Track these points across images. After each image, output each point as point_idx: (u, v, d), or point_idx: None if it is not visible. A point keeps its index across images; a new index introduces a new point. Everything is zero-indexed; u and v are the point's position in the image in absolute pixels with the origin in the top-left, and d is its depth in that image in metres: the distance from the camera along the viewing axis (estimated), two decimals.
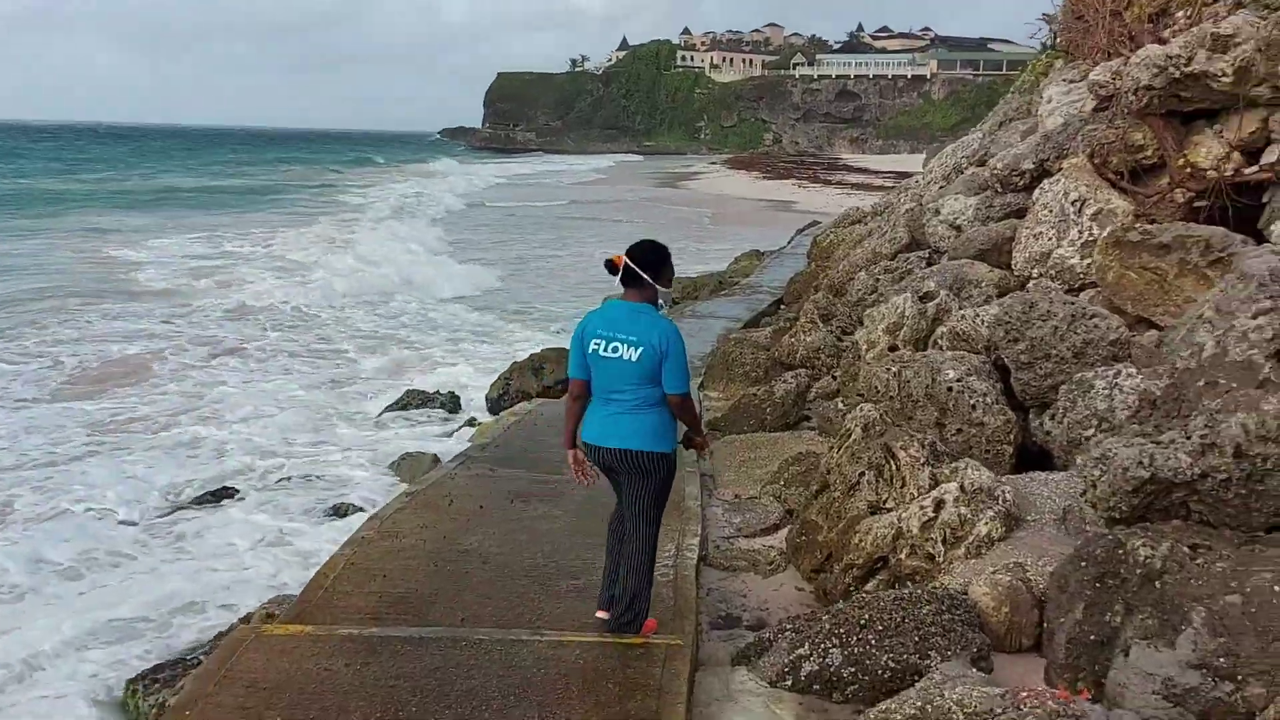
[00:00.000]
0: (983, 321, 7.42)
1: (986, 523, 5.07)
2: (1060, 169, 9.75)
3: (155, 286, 23.36)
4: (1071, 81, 11.91)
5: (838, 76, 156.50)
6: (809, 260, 21.62)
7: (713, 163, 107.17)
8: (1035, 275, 9.12)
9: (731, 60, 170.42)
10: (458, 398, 15.09)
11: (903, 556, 5.19)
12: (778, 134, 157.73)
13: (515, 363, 15.58)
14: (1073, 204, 9.06)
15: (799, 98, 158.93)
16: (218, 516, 8.60)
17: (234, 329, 18.98)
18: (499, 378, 15.15)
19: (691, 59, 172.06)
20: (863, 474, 5.77)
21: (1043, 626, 4.51)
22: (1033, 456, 6.73)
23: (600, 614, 4.93)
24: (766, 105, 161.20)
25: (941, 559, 5.08)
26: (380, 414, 13.83)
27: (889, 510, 5.56)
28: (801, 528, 6.08)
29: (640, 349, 4.40)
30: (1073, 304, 6.62)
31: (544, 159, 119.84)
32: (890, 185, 63.23)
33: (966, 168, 16.16)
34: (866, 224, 18.96)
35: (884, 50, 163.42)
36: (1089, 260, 8.79)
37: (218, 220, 39.09)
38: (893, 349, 8.71)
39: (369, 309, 21.77)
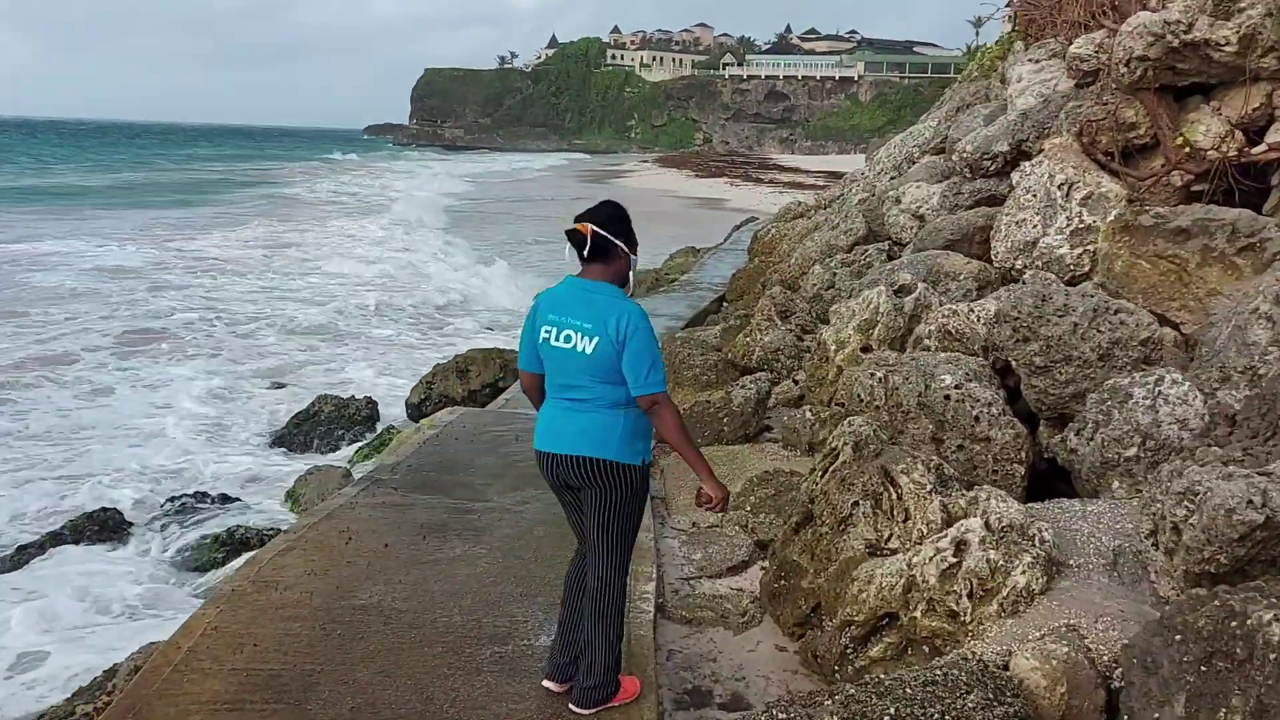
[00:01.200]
0: (979, 318, 6.39)
1: (1023, 571, 4.00)
2: (1042, 150, 8.81)
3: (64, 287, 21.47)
4: (1042, 60, 11.03)
5: (767, 77, 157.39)
6: (750, 256, 20.64)
7: (644, 161, 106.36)
8: (1019, 266, 8.15)
9: (661, 59, 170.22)
10: (375, 404, 13.79)
11: (918, 614, 4.09)
12: (708, 133, 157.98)
13: (438, 365, 14.32)
14: (1059, 187, 8.10)
15: (729, 98, 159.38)
16: (68, 555, 7.18)
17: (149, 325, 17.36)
18: (420, 381, 13.87)
19: (621, 58, 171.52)
20: (856, 504, 4.67)
21: (1115, 717, 3.44)
22: (1041, 476, 5.72)
23: (549, 684, 4.00)
24: (697, 105, 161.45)
25: (968, 618, 3.99)
26: (283, 429, 12.45)
27: (892, 551, 4.46)
28: (780, 570, 4.95)
29: (595, 339, 3.57)
30: (1093, 296, 5.61)
31: (489, 156, 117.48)
32: (822, 185, 63.19)
33: (920, 156, 15.30)
34: (811, 217, 17.99)
35: (812, 52, 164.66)
36: (1080, 250, 7.86)
37: (133, 219, 36.78)
38: (866, 349, 7.66)
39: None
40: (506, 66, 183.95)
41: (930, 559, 4.14)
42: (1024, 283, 6.81)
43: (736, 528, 5.97)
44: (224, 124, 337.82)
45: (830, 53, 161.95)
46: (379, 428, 13.39)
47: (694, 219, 42.35)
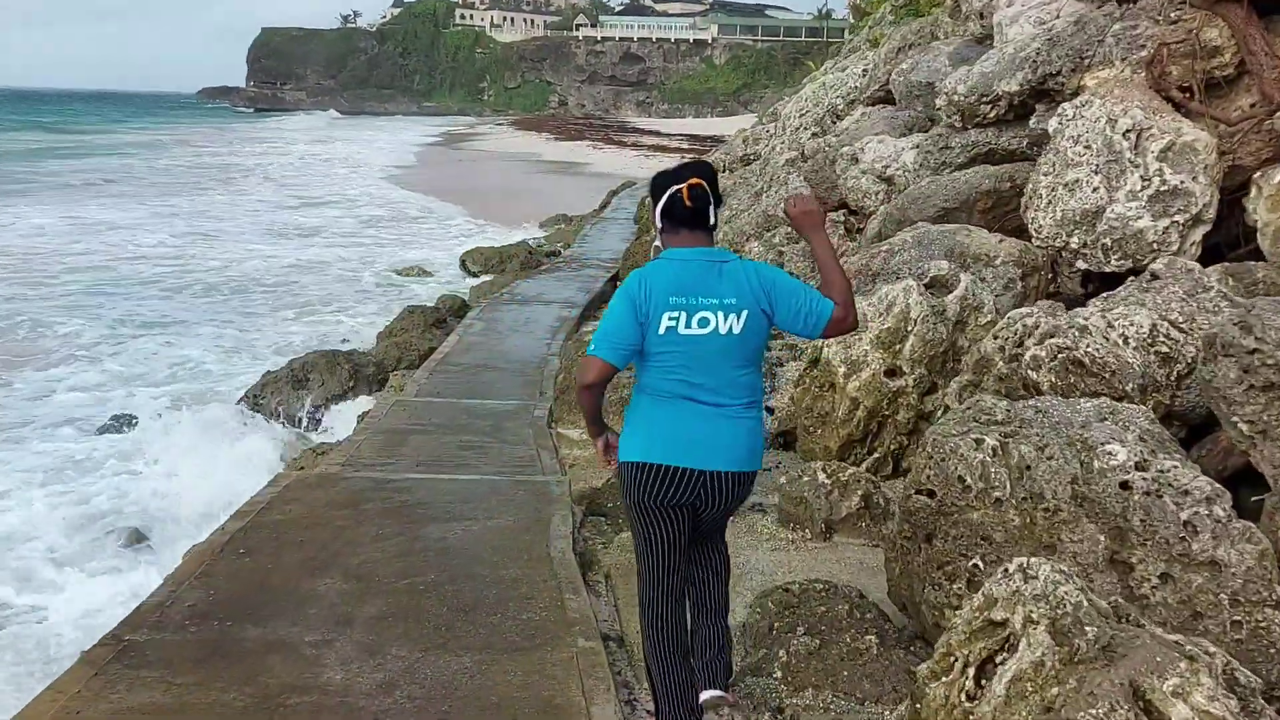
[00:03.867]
0: (1127, 338, 4.05)
1: None
2: (1085, 87, 6.58)
3: None
4: None
5: (621, 39, 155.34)
6: (641, 226, 18.18)
7: (499, 124, 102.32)
8: (1075, 245, 5.90)
9: (513, 20, 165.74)
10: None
11: None
12: (563, 96, 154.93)
13: (268, 372, 11.34)
14: (1124, 136, 5.86)
15: (583, 59, 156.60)
16: None
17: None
18: (245, 395, 10.89)
19: (471, 18, 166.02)
20: None
21: None
22: None
23: (710, 693, 3.23)
24: (550, 67, 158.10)
25: None
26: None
27: None
28: None
29: (745, 313, 3.04)
30: None
31: (350, 121, 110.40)
32: (688, 149, 61.13)
33: (846, 108, 13.07)
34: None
35: (665, 14, 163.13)
36: (1166, 222, 5.65)
37: None
38: (892, 373, 5.27)
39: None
40: (350, 26, 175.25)
41: None
42: (1157, 272, 4.51)
43: None
44: (41, 88, 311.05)
45: (683, 14, 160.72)
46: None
47: (560, 185, 39.53)
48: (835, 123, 13.31)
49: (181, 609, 4.08)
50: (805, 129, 13.58)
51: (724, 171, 17.36)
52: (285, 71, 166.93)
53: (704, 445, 3.05)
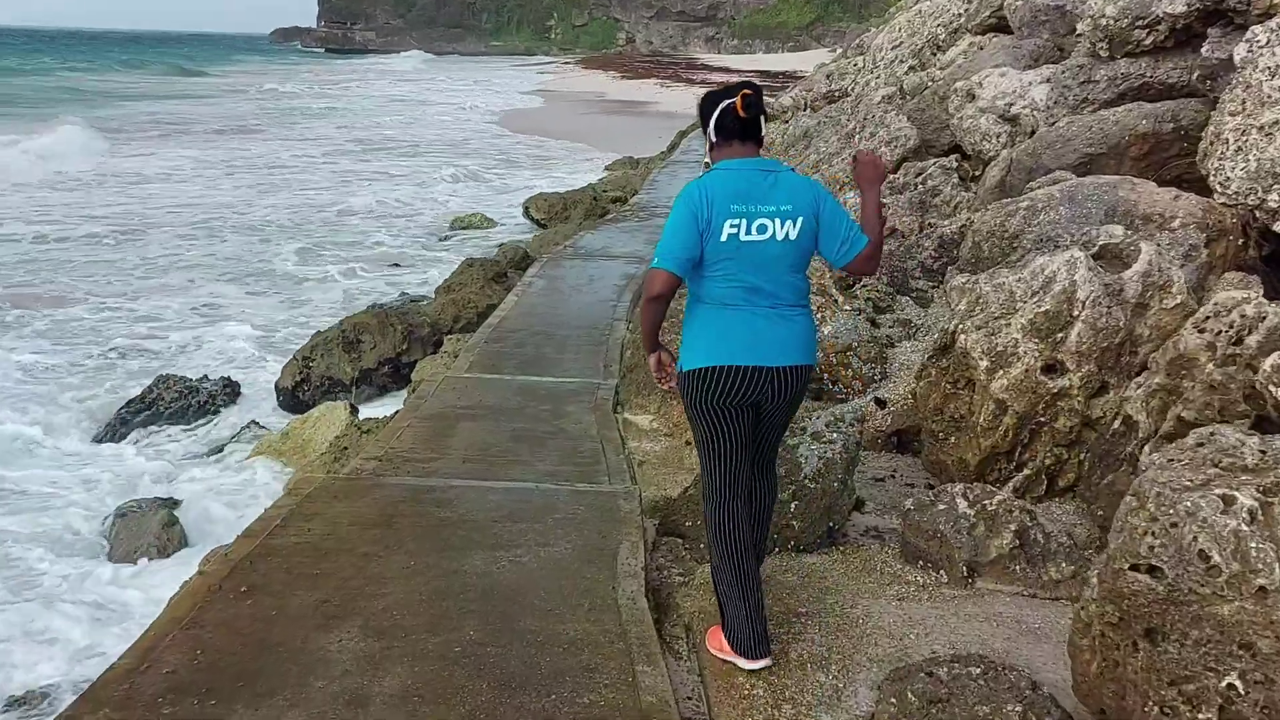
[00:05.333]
0: None
1: None
2: None
3: None
4: None
5: None
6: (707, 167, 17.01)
7: (566, 63, 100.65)
8: (1275, 204, 4.71)
9: None
10: (235, 388, 10.12)
11: None
12: (630, 33, 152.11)
13: (319, 333, 10.62)
14: None
15: None
16: None
17: None
18: (294, 358, 10.20)
19: None
20: None
21: None
22: None
23: (762, 663, 3.34)
24: (618, 3, 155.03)
25: None
26: (108, 431, 8.85)
27: None
28: None
29: (800, 220, 3.19)
30: None
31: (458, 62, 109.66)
32: (763, 84, 59.07)
33: (948, 38, 11.73)
34: (798, 120, 14.35)
35: None
36: None
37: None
38: (1051, 369, 4.17)
39: None
40: None
41: None
42: None
43: None
44: (129, 29, 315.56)
45: None
46: (236, 423, 9.74)
47: (627, 125, 38.28)
48: (935, 55, 11.99)
49: (157, 678, 3.22)
50: (901, 62, 12.27)
51: (804, 109, 16.10)
52: (355, 11, 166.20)
53: (768, 343, 3.20)
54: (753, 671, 3.33)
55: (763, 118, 3.24)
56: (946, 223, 6.18)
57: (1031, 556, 3.79)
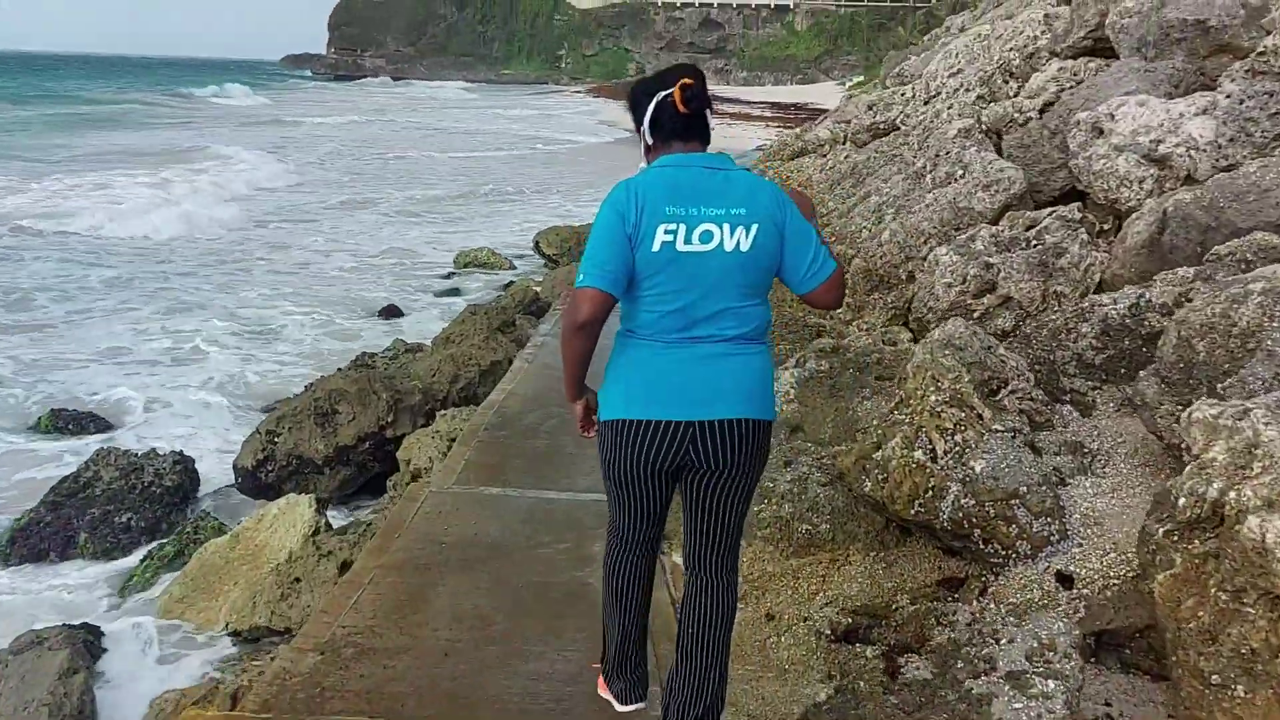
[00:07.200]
0: None
1: None
2: None
3: None
4: None
5: (701, 4, 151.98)
6: None
7: (576, 92, 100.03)
8: None
9: None
10: (189, 467, 8.54)
11: None
12: (641, 64, 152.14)
13: (287, 400, 9.10)
14: None
15: (662, 26, 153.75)
16: None
17: None
18: (257, 431, 8.64)
19: None
20: None
21: None
22: None
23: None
24: (629, 34, 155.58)
25: None
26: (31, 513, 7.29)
27: None
28: None
29: (755, 226, 2.59)
30: None
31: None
32: (771, 116, 57.78)
33: (1026, 64, 10.18)
34: (840, 155, 12.75)
35: None
36: None
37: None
38: None
39: None
40: None
41: None
42: None
43: None
44: (138, 55, 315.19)
45: None
46: (190, 512, 8.26)
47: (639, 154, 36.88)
48: (1008, 82, 10.43)
49: None
50: (967, 90, 10.70)
51: (843, 142, 14.54)
52: (365, 38, 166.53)
53: (702, 388, 2.60)
54: None
55: (708, 112, 2.71)
56: (1110, 300, 4.55)
57: None
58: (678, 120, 2.68)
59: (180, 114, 55.59)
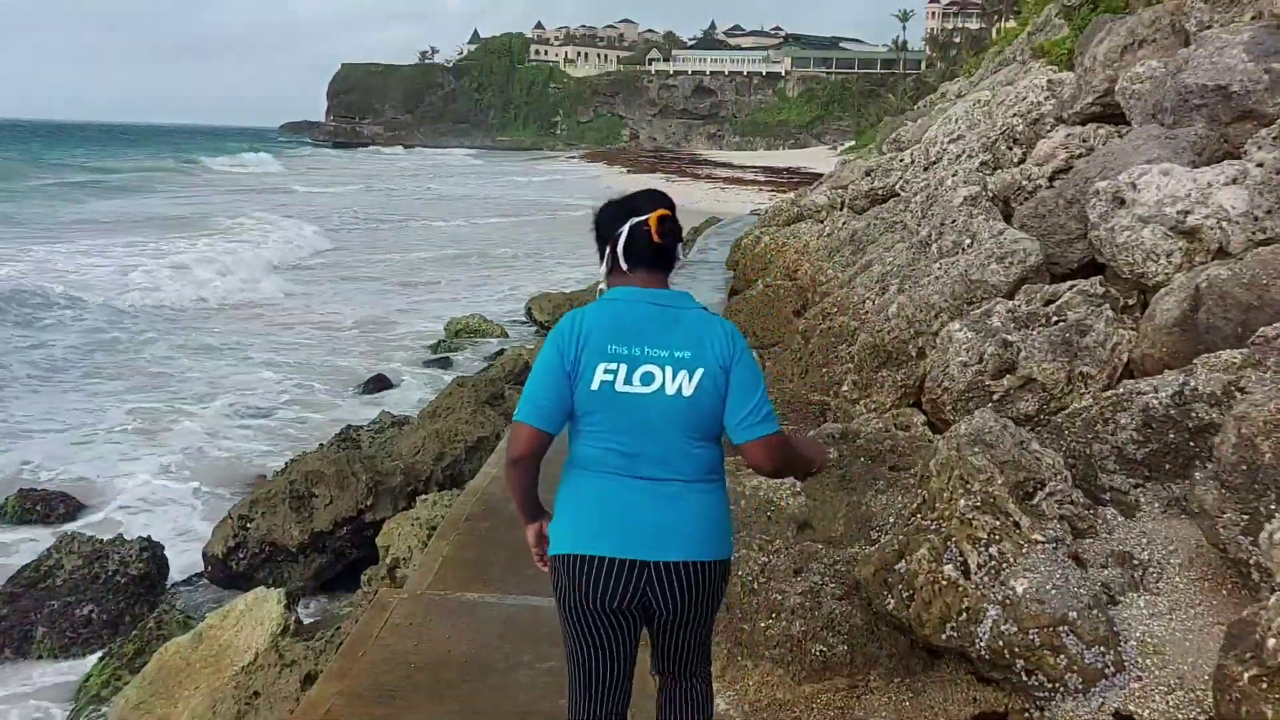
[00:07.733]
0: None
1: None
2: None
3: None
4: None
5: (694, 72, 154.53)
6: (737, 272, 15.07)
7: (571, 157, 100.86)
8: None
9: (586, 55, 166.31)
10: (158, 553, 8.05)
11: None
12: (635, 130, 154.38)
13: (263, 478, 8.62)
14: None
15: (655, 93, 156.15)
16: None
17: None
18: (229, 516, 8.17)
19: (545, 53, 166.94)
20: None
21: None
22: None
23: None
24: (623, 101, 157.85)
25: None
26: None
27: None
28: None
29: (699, 371, 2.52)
30: None
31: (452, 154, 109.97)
32: (764, 180, 58.01)
33: (1028, 130, 9.91)
34: (838, 221, 12.45)
35: (738, 47, 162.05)
36: None
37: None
38: None
39: None
40: (428, 62, 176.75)
41: None
42: None
43: None
44: (141, 123, 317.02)
45: (756, 48, 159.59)
46: (157, 602, 7.80)
47: None
48: (1012, 149, 10.16)
49: None
50: (970, 157, 10.42)
51: (840, 208, 14.26)
52: (364, 106, 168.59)
53: (645, 530, 2.50)
54: None
55: (679, 245, 2.69)
56: (1150, 388, 4.13)
57: None
58: (649, 249, 2.63)
59: (202, 181, 56.44)
